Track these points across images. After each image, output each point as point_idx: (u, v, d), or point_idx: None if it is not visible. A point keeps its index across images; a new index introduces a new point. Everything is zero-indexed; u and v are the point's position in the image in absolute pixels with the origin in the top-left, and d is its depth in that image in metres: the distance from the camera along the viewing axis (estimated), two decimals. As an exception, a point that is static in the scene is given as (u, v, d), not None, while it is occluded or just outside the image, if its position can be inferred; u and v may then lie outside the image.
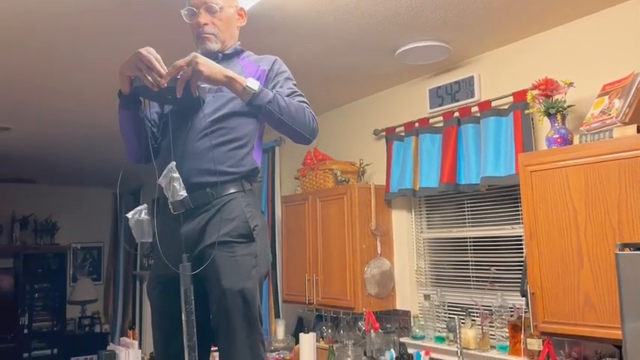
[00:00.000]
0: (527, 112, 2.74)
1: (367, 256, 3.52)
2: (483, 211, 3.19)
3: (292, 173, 4.35)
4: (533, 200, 2.42)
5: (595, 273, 2.17)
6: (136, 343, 3.89)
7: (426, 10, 2.58)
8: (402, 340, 3.45)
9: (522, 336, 2.71)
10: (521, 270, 2.71)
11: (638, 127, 2.15)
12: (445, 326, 3.25)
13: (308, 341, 3.63)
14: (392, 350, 3.33)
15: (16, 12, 2.51)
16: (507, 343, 2.84)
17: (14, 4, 2.43)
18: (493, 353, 2.91)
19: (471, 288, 3.23)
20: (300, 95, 1.83)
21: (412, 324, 3.45)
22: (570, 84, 2.49)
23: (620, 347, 2.24)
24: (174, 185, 1.67)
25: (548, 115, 2.50)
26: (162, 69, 1.61)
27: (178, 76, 1.62)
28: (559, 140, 2.44)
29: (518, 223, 2.94)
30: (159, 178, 1.71)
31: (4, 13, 2.51)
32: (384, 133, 3.72)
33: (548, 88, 2.51)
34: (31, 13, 2.52)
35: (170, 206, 1.73)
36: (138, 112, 1.78)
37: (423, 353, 3.21)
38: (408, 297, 3.56)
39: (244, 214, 1.75)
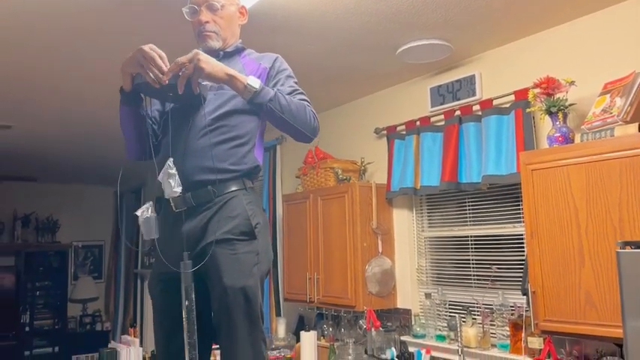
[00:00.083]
0: (528, 110, 2.74)
1: (368, 254, 3.52)
2: (484, 210, 3.19)
3: (293, 172, 4.35)
4: (534, 199, 2.42)
5: (596, 271, 2.17)
6: (137, 341, 3.89)
7: (427, 9, 2.57)
8: (402, 338, 3.45)
9: (523, 334, 2.71)
10: (522, 268, 2.71)
11: (639, 125, 2.15)
12: (446, 325, 3.25)
13: (309, 339, 3.63)
14: (393, 349, 3.33)
15: (17, 12, 2.52)
16: (508, 341, 2.84)
17: (15, 5, 2.44)
18: (494, 352, 2.91)
19: (472, 286, 3.23)
20: (301, 93, 1.83)
21: (413, 322, 3.45)
22: (572, 82, 2.49)
23: (621, 346, 2.25)
24: (170, 182, 1.67)
25: (550, 113, 2.50)
26: (164, 66, 1.61)
27: (180, 73, 1.62)
28: (560, 139, 2.44)
29: (520, 222, 2.94)
30: (159, 175, 1.72)
31: (6, 13, 2.51)
32: (385, 132, 3.72)
33: (549, 86, 2.51)
34: (32, 13, 2.53)
35: (172, 204, 1.74)
36: (139, 109, 1.78)
37: (423, 352, 3.21)
38: (409, 295, 3.56)
39: (246, 211, 1.75)
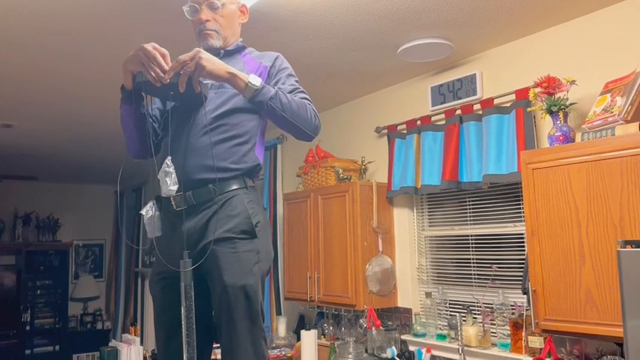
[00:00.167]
0: (529, 109, 2.74)
1: (369, 253, 3.52)
2: (485, 209, 3.19)
3: (294, 171, 4.35)
4: (535, 198, 2.42)
5: (596, 270, 2.17)
6: (138, 339, 3.89)
7: (428, 8, 2.57)
8: (403, 337, 3.46)
9: (524, 333, 2.71)
10: (522, 267, 2.71)
11: (640, 124, 2.15)
12: (446, 324, 3.25)
13: (309, 338, 3.63)
14: (393, 348, 3.33)
15: (19, 12, 2.52)
16: (508, 340, 2.84)
17: (16, 5, 2.44)
18: (494, 351, 2.91)
19: (472, 285, 3.23)
20: (302, 92, 1.83)
21: (413, 321, 3.46)
22: (573, 82, 2.49)
23: (621, 345, 2.25)
24: (166, 180, 1.67)
25: (551, 112, 2.50)
26: (166, 65, 1.61)
27: (181, 72, 1.62)
28: (561, 138, 2.44)
29: (520, 221, 2.94)
30: (158, 174, 1.72)
31: (7, 13, 2.52)
32: (385, 131, 3.72)
33: (550, 85, 2.51)
34: (33, 13, 2.54)
35: (172, 202, 1.74)
36: (140, 107, 1.78)
37: (424, 351, 3.21)
38: (409, 294, 3.56)
39: (247, 210, 1.75)
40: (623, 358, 1.99)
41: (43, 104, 4.00)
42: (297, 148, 4.42)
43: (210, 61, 1.64)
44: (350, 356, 3.45)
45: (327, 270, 3.70)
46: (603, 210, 2.17)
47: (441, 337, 3.25)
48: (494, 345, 2.96)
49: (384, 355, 3.37)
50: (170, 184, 1.67)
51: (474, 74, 3.17)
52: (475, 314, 3.10)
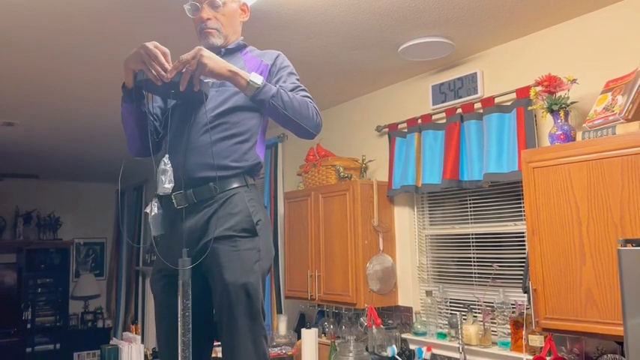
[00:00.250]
0: (530, 108, 2.74)
1: (369, 252, 3.53)
2: (486, 208, 3.19)
3: (295, 169, 4.35)
4: (535, 197, 2.42)
5: (597, 269, 2.18)
6: (139, 338, 3.90)
7: (429, 7, 2.57)
8: (403, 336, 3.46)
9: (524, 332, 2.71)
10: (523, 266, 2.71)
11: (641, 123, 2.15)
12: (447, 322, 3.25)
13: (310, 337, 3.64)
14: (394, 346, 3.34)
15: (20, 13, 2.53)
16: (509, 339, 2.84)
17: (18, 5, 2.45)
18: (495, 349, 2.92)
19: (473, 284, 3.23)
20: (303, 90, 1.83)
21: (414, 320, 3.46)
22: (573, 80, 2.49)
23: (621, 343, 2.25)
24: (162, 178, 1.67)
25: (551, 111, 2.50)
26: (167, 63, 1.61)
27: (183, 70, 1.62)
28: (562, 137, 2.44)
29: (521, 220, 2.94)
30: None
31: (8, 13, 2.52)
32: (386, 130, 3.72)
33: (551, 84, 2.51)
34: (34, 13, 2.55)
35: (174, 201, 1.74)
36: (140, 105, 1.79)
37: (424, 349, 3.22)
38: (410, 293, 3.56)
39: (247, 208, 1.75)
40: (624, 356, 1.99)
41: (44, 103, 4.00)
42: (297, 147, 4.42)
43: (212, 59, 1.64)
44: (350, 355, 3.45)
45: (327, 268, 3.71)
46: (604, 209, 2.17)
47: (442, 335, 3.26)
48: (494, 344, 2.97)
49: (384, 354, 3.37)
50: (165, 182, 1.67)
51: (475, 73, 3.17)
52: (476, 313, 3.11)
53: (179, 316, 1.60)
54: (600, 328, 2.15)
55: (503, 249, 3.07)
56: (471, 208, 3.28)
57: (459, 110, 3.19)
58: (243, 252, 1.71)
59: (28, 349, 7.03)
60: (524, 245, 2.89)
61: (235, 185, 1.77)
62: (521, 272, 2.72)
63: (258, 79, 1.68)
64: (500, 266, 3.05)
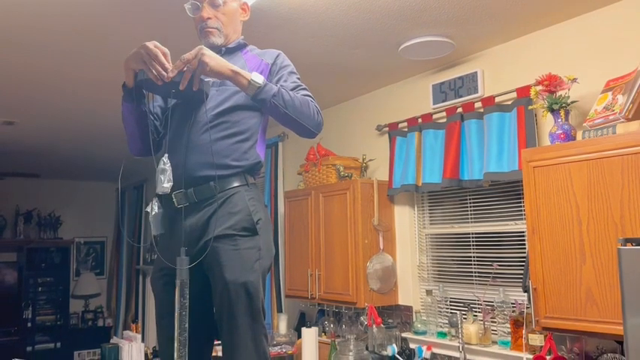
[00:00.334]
0: (530, 107, 2.74)
1: (369, 251, 3.53)
2: (486, 207, 3.19)
3: (295, 169, 4.36)
4: (535, 196, 2.42)
5: (597, 268, 2.18)
6: (139, 336, 3.90)
7: (429, 6, 2.57)
8: (404, 335, 3.46)
9: (524, 331, 2.72)
10: (523, 265, 2.71)
11: (641, 123, 2.15)
12: (447, 321, 3.25)
13: (310, 336, 3.64)
14: (394, 345, 3.34)
15: (21, 13, 2.54)
16: (509, 338, 2.84)
17: (18, 6, 2.45)
18: (495, 348, 2.92)
19: (473, 283, 3.23)
20: (304, 89, 1.83)
21: (414, 319, 3.46)
22: (574, 80, 2.49)
23: (621, 342, 2.25)
24: (161, 177, 1.67)
25: (552, 110, 2.50)
26: (168, 63, 1.61)
27: (184, 69, 1.62)
28: (562, 136, 2.44)
29: (521, 219, 2.94)
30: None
31: (9, 14, 2.52)
32: (387, 129, 3.72)
33: (551, 83, 2.51)
34: (34, 14, 2.55)
35: (174, 199, 1.74)
36: (141, 105, 1.79)
37: (424, 348, 3.22)
38: (410, 292, 3.57)
39: (248, 207, 1.75)
40: (623, 355, 1.99)
41: (44, 102, 4.01)
42: (298, 146, 4.43)
43: (213, 59, 1.65)
44: (350, 354, 3.45)
45: (327, 267, 3.71)
46: (604, 208, 2.17)
47: (442, 334, 3.26)
48: (494, 343, 2.97)
49: (384, 353, 3.38)
50: (164, 182, 1.67)
51: (476, 72, 3.17)
52: (476, 312, 3.11)
53: (176, 315, 1.60)
54: (600, 328, 2.16)
55: (504, 248, 3.08)
56: (471, 207, 3.28)
57: (460, 109, 3.19)
58: (243, 251, 1.71)
59: (29, 348, 7.04)
60: (524, 244, 2.89)
61: (236, 184, 1.77)
62: (522, 271, 2.72)
63: (259, 78, 1.68)
64: (500, 265, 3.05)
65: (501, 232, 3.09)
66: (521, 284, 2.67)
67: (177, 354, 1.58)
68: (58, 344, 7.32)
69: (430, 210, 3.58)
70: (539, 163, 2.42)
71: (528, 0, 2.53)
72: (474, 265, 3.24)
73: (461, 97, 3.23)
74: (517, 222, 2.99)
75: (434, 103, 3.40)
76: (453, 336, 3.17)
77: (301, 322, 4.28)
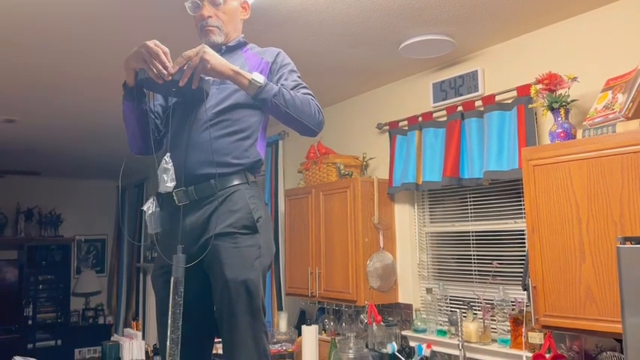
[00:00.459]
0: (530, 106, 2.74)
1: (370, 249, 3.53)
2: (486, 206, 3.20)
3: (296, 167, 4.36)
4: (535, 194, 2.43)
5: (596, 267, 2.18)
6: (140, 334, 3.91)
7: (430, 4, 2.57)
8: (403, 333, 3.47)
9: (524, 329, 2.72)
10: (523, 264, 2.71)
11: (641, 121, 2.15)
12: (447, 320, 3.26)
13: (310, 334, 3.65)
14: (394, 343, 3.34)
15: (20, 12, 2.54)
16: (509, 336, 2.85)
17: (19, 6, 2.46)
18: (494, 347, 2.92)
19: (473, 282, 3.24)
20: (304, 87, 1.84)
21: (414, 317, 3.47)
22: (574, 78, 2.49)
23: (620, 341, 2.26)
24: (163, 177, 1.68)
25: (552, 109, 2.50)
26: (168, 62, 1.62)
27: (185, 67, 1.63)
28: (562, 135, 2.44)
29: (521, 218, 2.94)
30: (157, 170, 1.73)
31: (9, 13, 2.53)
32: (387, 127, 3.73)
33: (551, 82, 2.51)
34: (35, 14, 2.55)
35: (175, 197, 1.75)
36: (142, 104, 1.79)
37: (424, 346, 3.22)
38: (410, 290, 3.57)
39: (248, 205, 1.76)
40: (622, 354, 1.99)
41: (45, 100, 4.01)
42: (298, 145, 4.43)
43: (215, 57, 1.65)
44: (350, 351, 3.46)
45: (328, 266, 3.72)
46: (604, 207, 2.17)
47: (442, 332, 3.26)
48: (494, 341, 2.97)
49: (384, 351, 3.39)
50: (168, 181, 1.68)
51: (476, 71, 3.17)
52: (475, 310, 3.11)
53: (169, 313, 1.60)
54: (599, 326, 2.16)
55: (503, 246, 3.08)
56: (471, 205, 3.29)
57: (460, 108, 3.19)
58: (243, 249, 1.71)
59: (30, 346, 7.05)
60: (524, 243, 2.89)
61: (236, 182, 1.77)
62: (521, 270, 2.72)
63: (260, 78, 1.68)
64: (500, 264, 3.06)
65: (501, 230, 3.10)
66: (520, 282, 2.67)
67: (168, 352, 1.58)
68: (59, 342, 7.33)
69: (430, 208, 3.59)
70: (539, 162, 2.42)
71: (529, -1, 2.54)
72: (474, 263, 3.24)
73: (461, 95, 3.23)
74: (517, 220, 2.99)
75: (434, 102, 3.40)
76: (452, 334, 3.18)
77: (301, 320, 4.29)
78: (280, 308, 4.44)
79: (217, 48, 1.84)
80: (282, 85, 1.77)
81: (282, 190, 4.61)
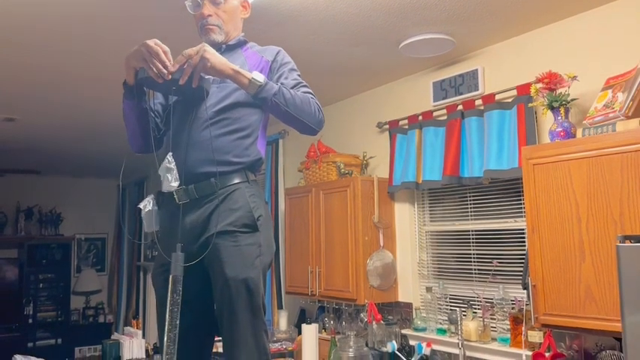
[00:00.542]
0: (530, 105, 2.74)
1: (370, 248, 3.54)
2: (486, 204, 3.20)
3: (296, 166, 4.36)
4: (535, 193, 2.43)
5: (596, 266, 2.18)
6: (140, 332, 3.91)
7: (430, 3, 2.57)
8: (403, 331, 3.47)
9: (523, 328, 2.72)
10: (522, 263, 2.72)
11: (641, 120, 2.15)
12: (447, 318, 3.26)
13: (310, 332, 3.65)
14: (393, 342, 3.35)
15: (20, 12, 2.55)
16: (508, 335, 2.85)
17: (19, 6, 2.46)
18: (494, 345, 2.93)
19: (472, 280, 3.24)
20: (305, 86, 1.84)
21: (414, 316, 3.47)
22: (574, 77, 2.49)
23: (620, 340, 2.26)
24: (167, 176, 1.68)
25: (552, 108, 2.50)
26: (168, 61, 1.62)
27: (185, 65, 1.63)
28: (562, 134, 2.44)
29: (521, 216, 2.94)
30: (159, 169, 1.73)
31: (9, 12, 2.53)
32: (387, 126, 3.73)
33: (551, 81, 2.51)
34: (35, 13, 2.56)
35: (175, 196, 1.75)
36: (142, 102, 1.79)
37: (424, 345, 3.23)
38: (410, 289, 3.58)
39: (248, 204, 1.76)
40: (622, 352, 2.00)
41: (45, 99, 4.01)
42: (298, 143, 4.43)
43: (215, 56, 1.66)
44: (350, 350, 3.46)
45: (328, 264, 3.72)
46: (603, 206, 2.18)
47: (442, 331, 3.27)
48: (494, 339, 2.98)
49: (384, 350, 3.39)
50: (171, 180, 1.68)
51: (476, 70, 3.17)
52: (475, 309, 3.12)
53: (167, 311, 1.60)
54: (599, 325, 2.16)
55: (503, 245, 3.08)
56: (471, 204, 3.29)
57: (460, 107, 3.19)
58: (244, 247, 1.72)
59: (30, 344, 7.05)
60: (524, 242, 2.90)
61: (236, 181, 1.77)
62: (521, 269, 2.73)
63: (260, 77, 1.68)
64: (499, 263, 3.06)
65: (501, 229, 3.10)
66: (520, 281, 2.68)
67: (165, 350, 1.58)
68: (59, 340, 7.33)
69: (430, 207, 3.59)
70: (539, 161, 2.42)
71: (529, -3, 2.54)
72: (474, 262, 3.24)
73: (461, 94, 3.23)
74: (517, 219, 2.99)
75: (434, 101, 3.40)
76: (452, 333, 3.18)
77: (301, 318, 4.29)
78: (280, 307, 4.45)
79: (217, 47, 1.84)
80: (282, 83, 1.77)
81: (282, 188, 4.61)
